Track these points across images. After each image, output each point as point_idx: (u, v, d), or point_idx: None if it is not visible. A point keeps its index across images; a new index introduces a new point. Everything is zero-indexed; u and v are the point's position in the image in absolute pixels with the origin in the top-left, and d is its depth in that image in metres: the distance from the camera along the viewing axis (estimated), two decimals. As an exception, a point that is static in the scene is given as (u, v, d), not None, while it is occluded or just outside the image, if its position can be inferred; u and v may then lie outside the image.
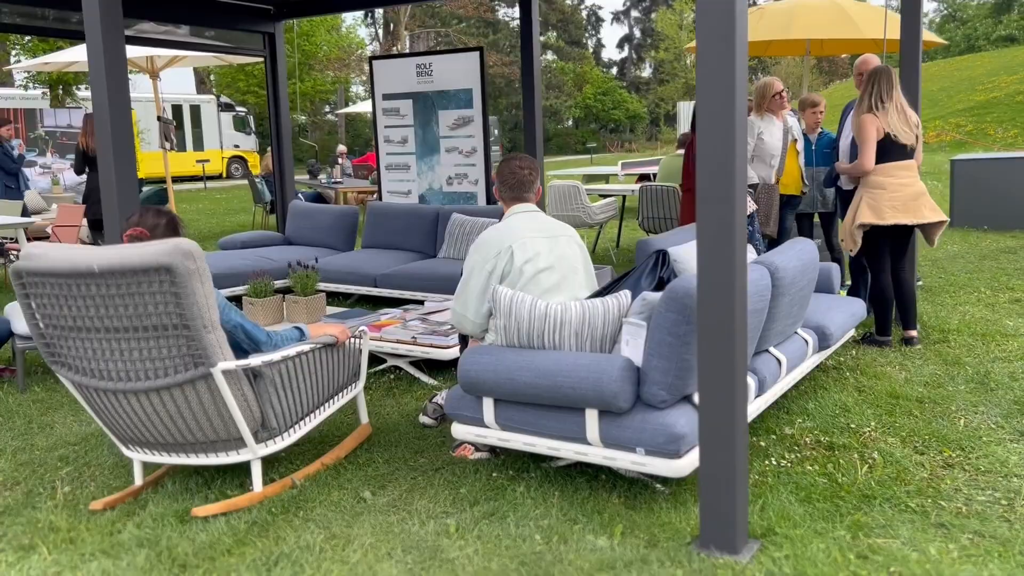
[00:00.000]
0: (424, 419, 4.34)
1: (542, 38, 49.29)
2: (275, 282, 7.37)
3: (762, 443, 3.93)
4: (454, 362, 5.25)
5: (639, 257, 5.03)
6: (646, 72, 57.24)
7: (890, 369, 5.01)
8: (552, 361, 3.30)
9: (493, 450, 3.86)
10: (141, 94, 21.92)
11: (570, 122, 49.37)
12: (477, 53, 8.10)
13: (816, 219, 7.32)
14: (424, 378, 5.10)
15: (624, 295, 3.42)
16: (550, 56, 50.90)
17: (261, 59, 8.81)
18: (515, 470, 3.68)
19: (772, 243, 6.61)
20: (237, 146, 29.55)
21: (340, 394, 3.91)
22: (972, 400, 4.45)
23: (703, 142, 2.74)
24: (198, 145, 27.63)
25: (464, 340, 4.11)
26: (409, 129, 8.60)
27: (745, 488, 2.92)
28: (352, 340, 3.92)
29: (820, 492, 3.39)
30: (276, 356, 3.39)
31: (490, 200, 8.29)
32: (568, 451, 3.37)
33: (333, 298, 7.69)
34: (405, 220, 7.73)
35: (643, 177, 13.80)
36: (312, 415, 3.69)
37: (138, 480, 3.62)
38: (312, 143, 29.13)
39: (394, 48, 36.32)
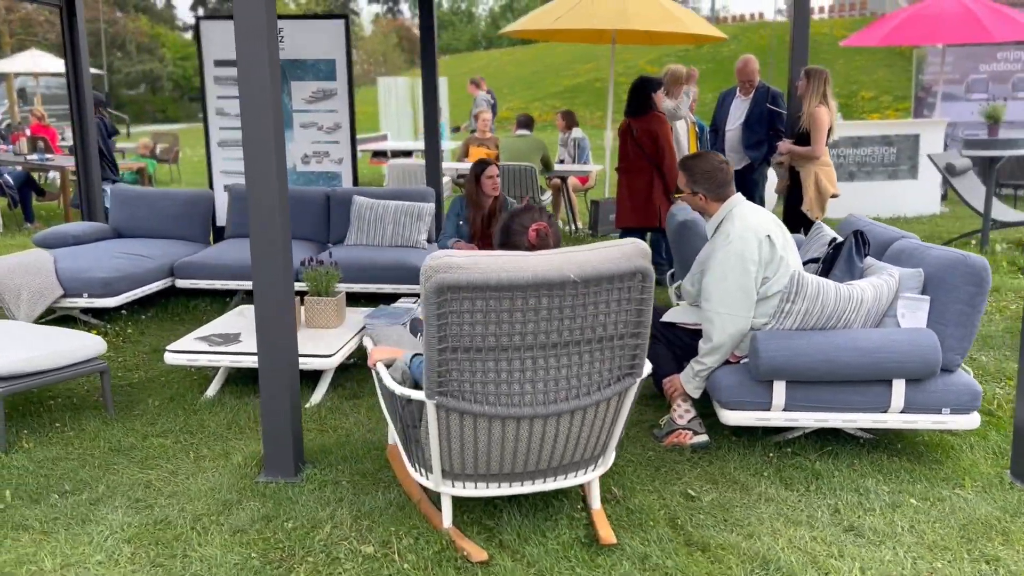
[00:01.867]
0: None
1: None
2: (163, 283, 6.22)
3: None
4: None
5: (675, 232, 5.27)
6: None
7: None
8: (866, 339, 3.52)
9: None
10: None
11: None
12: (342, 21, 7.45)
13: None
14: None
15: (895, 273, 3.73)
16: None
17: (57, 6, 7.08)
18: (771, 448, 3.81)
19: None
20: None
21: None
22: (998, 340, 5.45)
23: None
24: None
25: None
26: (252, 101, 7.60)
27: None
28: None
29: None
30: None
31: (357, 181, 7.73)
32: (865, 421, 3.62)
33: (221, 296, 6.70)
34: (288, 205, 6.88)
35: (378, 154, 13.57)
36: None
37: (447, 521, 3.06)
38: None
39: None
